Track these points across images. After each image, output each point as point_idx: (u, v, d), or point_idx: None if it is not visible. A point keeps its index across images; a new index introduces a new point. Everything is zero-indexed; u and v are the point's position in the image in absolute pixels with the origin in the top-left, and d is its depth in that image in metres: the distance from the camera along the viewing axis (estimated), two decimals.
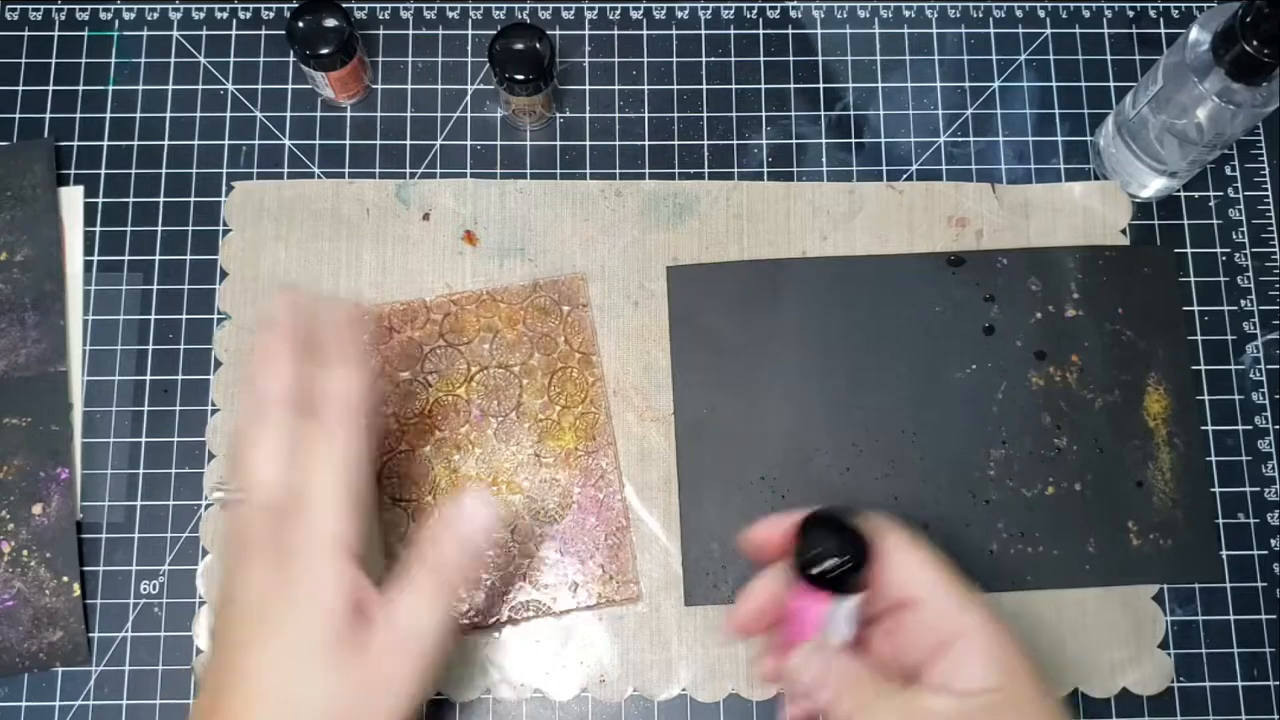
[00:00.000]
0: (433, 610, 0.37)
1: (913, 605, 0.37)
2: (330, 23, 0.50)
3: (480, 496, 0.39)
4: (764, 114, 0.55)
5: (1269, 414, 0.52)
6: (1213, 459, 0.51)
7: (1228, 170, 0.55)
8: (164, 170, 0.53)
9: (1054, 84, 0.56)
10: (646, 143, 0.54)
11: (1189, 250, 0.54)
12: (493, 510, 0.39)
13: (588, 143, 0.54)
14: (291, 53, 0.52)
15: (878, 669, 0.37)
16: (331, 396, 0.38)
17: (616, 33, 0.56)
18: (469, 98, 0.55)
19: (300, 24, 0.50)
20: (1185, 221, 0.54)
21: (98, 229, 0.52)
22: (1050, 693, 0.36)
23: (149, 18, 0.55)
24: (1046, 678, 0.37)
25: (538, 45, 0.50)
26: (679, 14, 0.56)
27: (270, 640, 0.35)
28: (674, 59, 0.55)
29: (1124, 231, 0.53)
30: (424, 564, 0.38)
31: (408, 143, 0.54)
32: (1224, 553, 0.50)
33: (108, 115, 0.54)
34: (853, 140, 0.55)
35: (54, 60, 0.55)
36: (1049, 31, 0.56)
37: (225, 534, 0.40)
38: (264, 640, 0.35)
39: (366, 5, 0.56)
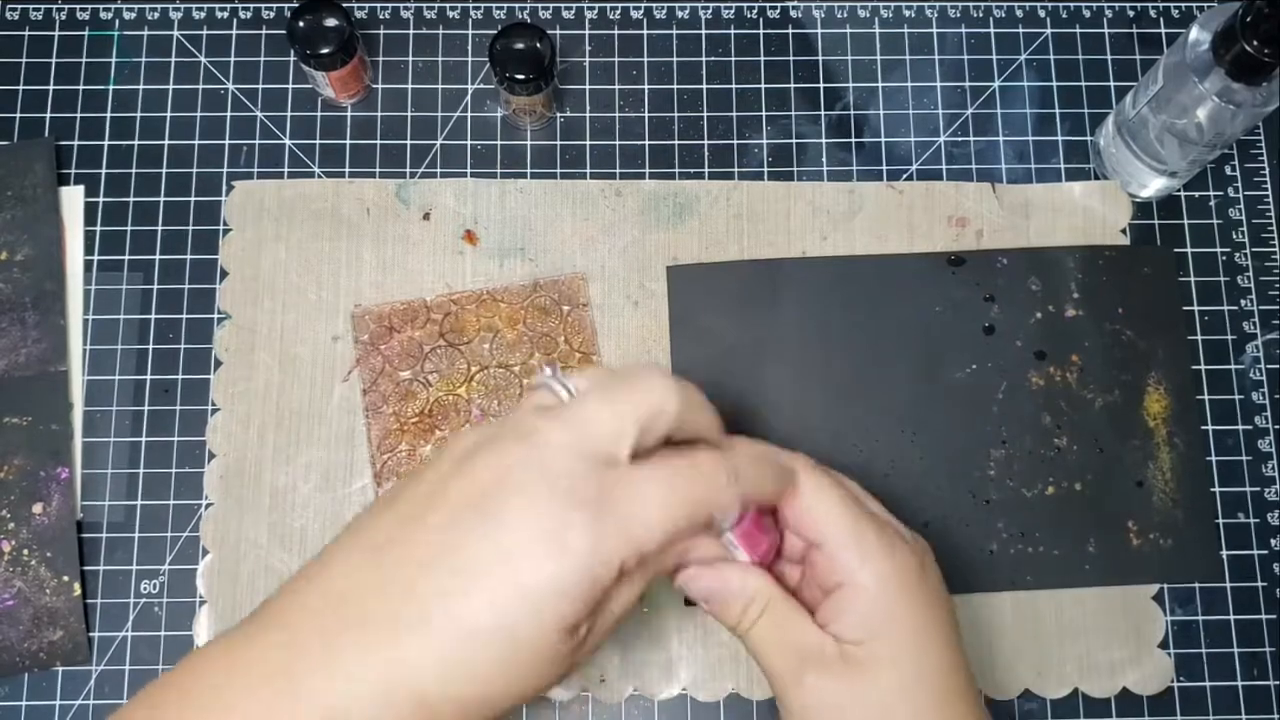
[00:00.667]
0: (632, 595, 0.34)
1: (818, 546, 0.38)
2: (331, 22, 0.50)
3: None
4: (764, 114, 0.55)
5: (1269, 414, 0.52)
6: (1213, 459, 0.51)
7: (1228, 170, 0.55)
8: (164, 170, 0.53)
9: (1054, 84, 0.56)
10: (647, 142, 0.54)
11: (1189, 250, 0.54)
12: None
13: (588, 142, 0.54)
14: (292, 52, 0.52)
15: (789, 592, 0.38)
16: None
17: (617, 32, 0.56)
18: (469, 97, 0.55)
19: (301, 23, 0.50)
20: (1185, 221, 0.54)
21: (98, 228, 0.52)
22: (935, 659, 0.37)
23: (149, 17, 0.55)
24: (941, 644, 0.37)
25: (538, 45, 0.50)
26: (679, 13, 0.56)
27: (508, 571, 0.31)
28: (674, 58, 0.55)
29: (1124, 231, 0.53)
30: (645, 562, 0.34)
31: (408, 142, 0.54)
32: (1224, 552, 0.50)
33: (108, 115, 0.54)
34: (853, 140, 0.55)
35: (54, 60, 0.55)
36: (1049, 31, 0.56)
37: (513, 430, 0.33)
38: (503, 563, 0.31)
39: (366, 5, 0.56)
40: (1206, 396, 0.52)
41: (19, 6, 0.55)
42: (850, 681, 0.36)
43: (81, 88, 0.54)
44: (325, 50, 0.50)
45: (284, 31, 0.51)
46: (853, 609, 0.37)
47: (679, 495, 0.33)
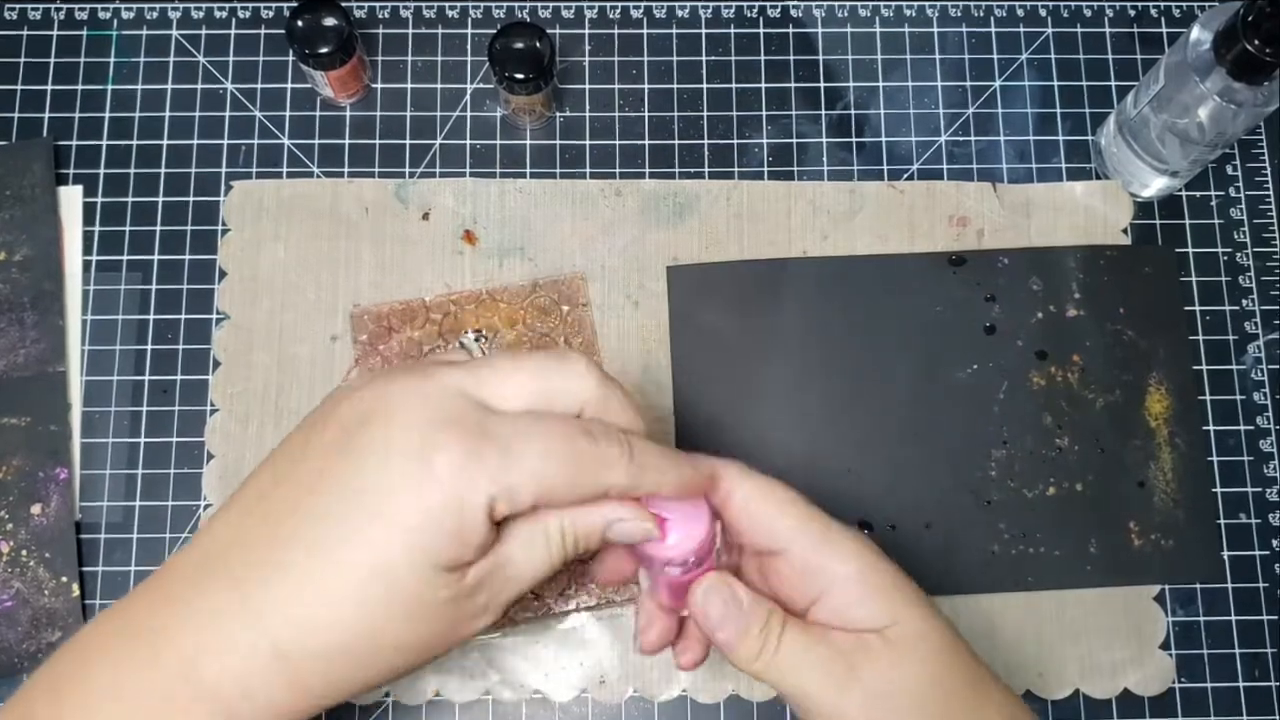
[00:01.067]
0: (542, 560, 0.32)
1: (779, 554, 0.35)
2: (330, 22, 0.50)
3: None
4: (764, 113, 0.55)
5: (1270, 414, 0.52)
6: (1214, 459, 0.51)
7: (1229, 170, 0.54)
8: (163, 170, 0.53)
9: (1055, 83, 0.55)
10: (646, 142, 0.54)
11: (1190, 250, 0.53)
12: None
13: (588, 142, 0.54)
14: (291, 52, 0.52)
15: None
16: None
17: (616, 31, 0.56)
18: (469, 97, 0.55)
19: (300, 23, 0.50)
20: (1187, 221, 0.54)
21: (96, 228, 0.52)
22: (943, 621, 0.35)
23: (148, 17, 0.55)
24: (933, 606, 0.35)
25: (538, 44, 0.49)
26: (679, 13, 0.56)
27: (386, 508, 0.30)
28: (674, 58, 0.55)
29: (1125, 231, 0.53)
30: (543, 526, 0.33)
31: (407, 142, 0.54)
32: (1225, 553, 0.50)
33: (106, 115, 0.54)
34: (853, 139, 0.54)
35: (53, 60, 0.54)
36: (1050, 30, 0.56)
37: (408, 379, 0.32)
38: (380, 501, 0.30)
39: (366, 4, 0.55)
40: (1208, 397, 0.52)
41: (17, 6, 0.55)
42: (903, 662, 0.34)
43: (80, 87, 0.54)
44: (324, 50, 0.50)
45: (283, 31, 0.51)
46: (862, 596, 0.34)
47: (561, 449, 0.31)
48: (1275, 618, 0.49)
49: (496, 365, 0.32)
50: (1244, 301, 0.53)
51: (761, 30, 0.56)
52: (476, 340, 0.34)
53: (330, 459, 0.31)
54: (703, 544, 0.34)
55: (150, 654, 0.30)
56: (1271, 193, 0.54)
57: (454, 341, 0.35)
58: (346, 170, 0.53)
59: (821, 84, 0.55)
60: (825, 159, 0.54)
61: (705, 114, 0.54)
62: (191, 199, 0.53)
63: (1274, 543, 0.50)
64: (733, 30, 0.56)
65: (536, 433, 0.31)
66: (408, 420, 0.30)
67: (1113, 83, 0.55)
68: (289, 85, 0.54)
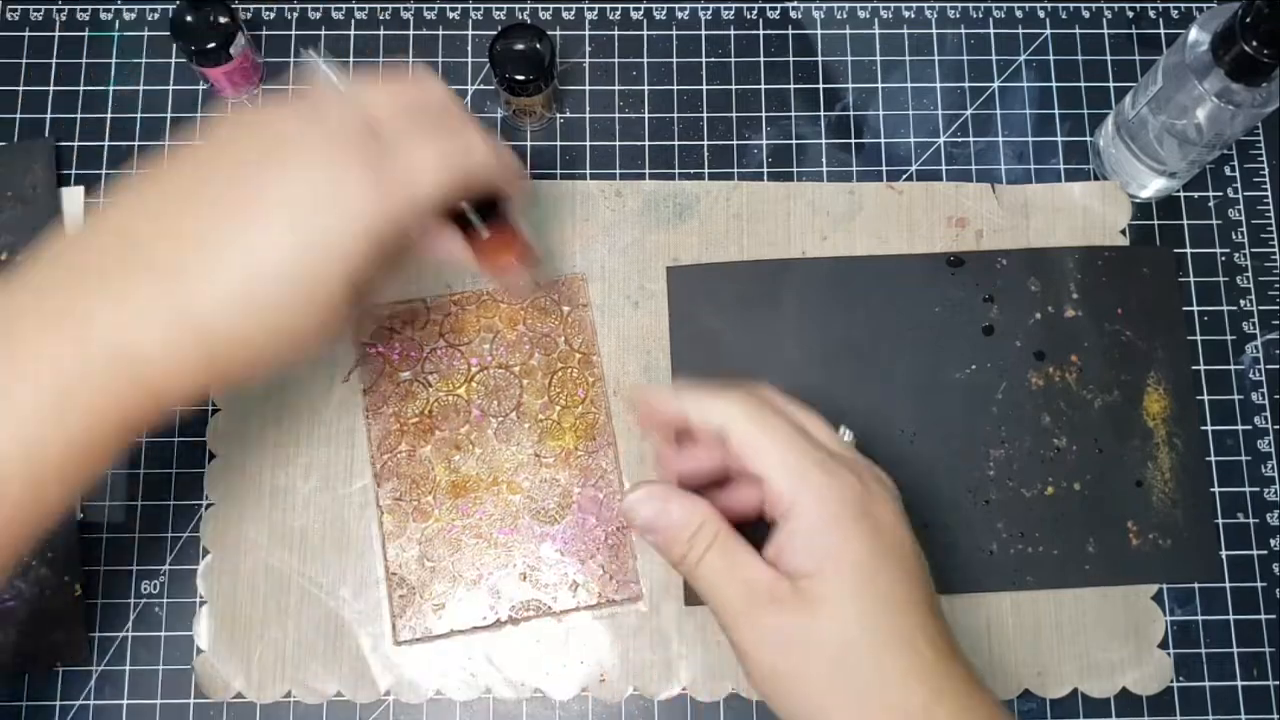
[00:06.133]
0: (441, 167, 0.36)
1: (762, 480, 0.37)
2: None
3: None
4: (764, 114, 0.55)
5: (1268, 414, 0.52)
6: (1212, 459, 0.51)
7: (1227, 170, 0.55)
8: None
9: (1054, 84, 0.56)
10: (646, 143, 0.54)
11: (1188, 250, 0.54)
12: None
13: (588, 143, 0.54)
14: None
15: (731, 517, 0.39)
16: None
17: (617, 33, 0.56)
18: (469, 98, 0.55)
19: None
20: (1185, 222, 0.54)
21: None
22: (875, 587, 0.36)
23: (149, 18, 0.55)
24: (896, 577, 0.36)
25: (538, 46, 0.50)
26: (679, 14, 0.56)
27: (292, 153, 0.34)
28: (674, 59, 0.55)
29: (1124, 232, 0.53)
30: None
31: None
32: (1223, 552, 0.50)
33: (108, 115, 0.54)
34: (852, 140, 0.55)
35: (54, 60, 0.55)
36: (1048, 32, 0.56)
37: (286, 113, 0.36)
38: (284, 153, 0.34)
39: (367, 5, 0.56)
40: (1206, 397, 0.52)
41: (19, 7, 0.55)
42: (806, 616, 0.35)
43: (82, 88, 0.54)
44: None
45: (283, 32, 0.51)
46: (797, 540, 0.36)
47: (450, 159, 0.35)
48: (1273, 617, 0.50)
49: (370, 92, 0.36)
50: (1242, 302, 0.53)
51: (761, 32, 0.56)
52: (325, 59, 0.38)
53: (249, 170, 0.34)
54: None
55: (79, 337, 0.32)
56: (1269, 193, 0.54)
57: (306, 56, 0.38)
58: None
59: (821, 85, 0.55)
60: (824, 160, 0.54)
61: (705, 115, 0.55)
62: None
63: (1272, 542, 0.50)
64: (732, 32, 0.56)
65: (428, 149, 0.35)
66: (315, 149, 0.34)
67: (1111, 84, 0.56)
68: (289, 86, 0.55)
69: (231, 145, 0.35)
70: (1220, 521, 0.50)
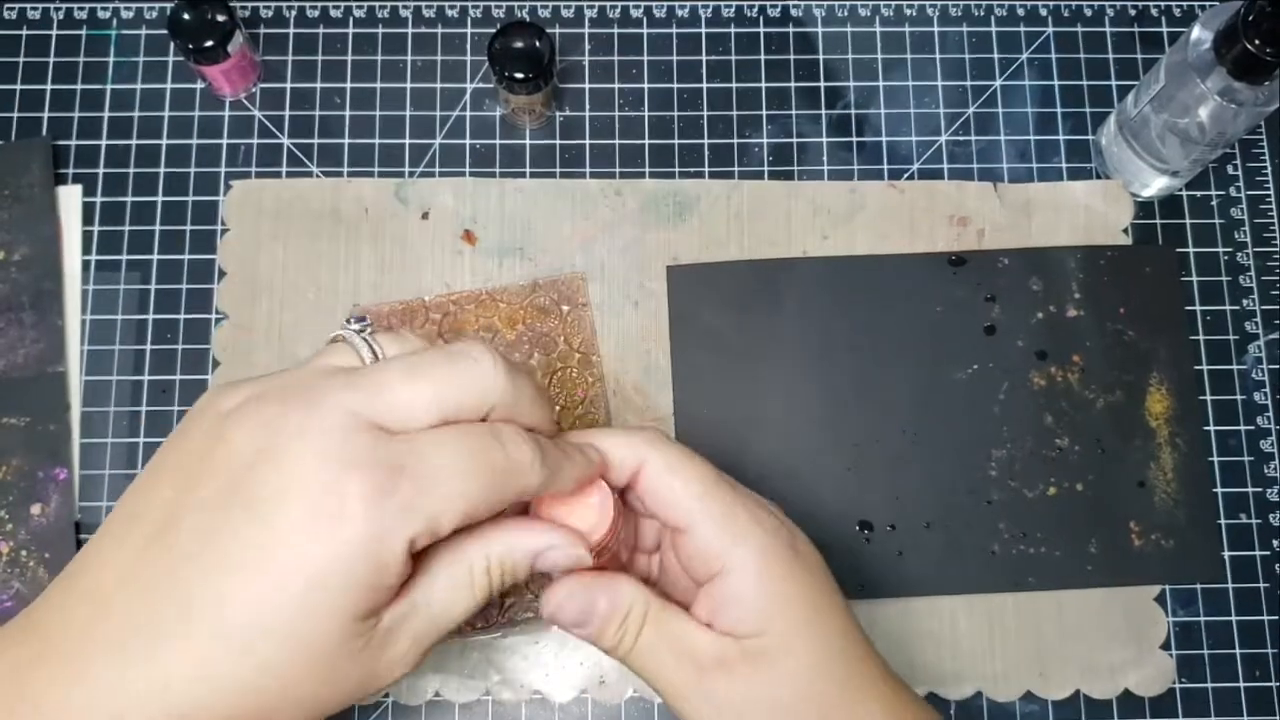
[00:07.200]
0: (466, 598, 0.31)
1: (683, 531, 0.34)
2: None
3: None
4: (764, 113, 0.55)
5: (1271, 414, 0.52)
6: (1215, 459, 0.51)
7: (1230, 169, 0.54)
8: (162, 169, 0.53)
9: (1056, 83, 0.55)
10: (646, 141, 0.54)
11: (1191, 249, 0.53)
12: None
13: (587, 141, 0.54)
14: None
15: (662, 588, 0.36)
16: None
17: (616, 31, 0.56)
18: (468, 96, 0.55)
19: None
20: (1187, 221, 0.54)
21: (95, 228, 0.52)
22: (826, 632, 0.34)
23: (147, 16, 0.55)
24: (823, 615, 0.34)
25: (537, 43, 0.49)
26: (679, 12, 0.56)
27: (273, 560, 0.27)
28: (674, 57, 0.55)
29: (1126, 231, 0.53)
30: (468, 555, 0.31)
31: (407, 141, 0.54)
32: (1226, 553, 0.50)
33: (105, 114, 0.54)
34: (854, 139, 0.54)
35: (52, 59, 0.54)
36: (1051, 30, 0.56)
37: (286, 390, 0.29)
38: (262, 555, 0.27)
39: (365, 4, 0.55)
40: (1208, 397, 0.52)
41: (16, 5, 0.55)
42: (757, 678, 0.33)
43: (79, 87, 0.54)
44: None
45: (282, 30, 0.51)
46: (738, 598, 0.33)
47: (476, 465, 0.29)
48: (1276, 618, 0.49)
49: (392, 379, 0.29)
50: (1245, 301, 0.53)
51: (762, 30, 0.56)
52: (360, 331, 0.32)
53: (218, 513, 0.28)
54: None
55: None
56: (1272, 192, 0.54)
57: (337, 331, 0.32)
58: (346, 170, 0.53)
59: (822, 83, 0.55)
60: (825, 159, 0.54)
61: (705, 113, 0.54)
62: (191, 198, 0.53)
63: (1275, 543, 0.50)
64: (733, 30, 0.56)
65: (447, 452, 0.28)
66: (304, 462, 0.27)
67: (1113, 82, 0.55)
68: (288, 85, 0.54)
69: (210, 456, 0.29)
70: (1223, 522, 0.50)
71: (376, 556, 0.27)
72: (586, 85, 0.55)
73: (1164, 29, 0.56)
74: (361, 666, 0.29)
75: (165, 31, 0.53)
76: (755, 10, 0.56)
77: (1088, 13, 0.56)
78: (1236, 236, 0.54)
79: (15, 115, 0.53)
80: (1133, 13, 0.56)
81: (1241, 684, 0.49)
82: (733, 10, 0.56)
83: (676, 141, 0.54)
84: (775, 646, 0.33)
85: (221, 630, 0.27)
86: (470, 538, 0.31)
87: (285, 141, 0.54)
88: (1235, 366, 0.52)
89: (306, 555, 0.27)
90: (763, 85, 0.55)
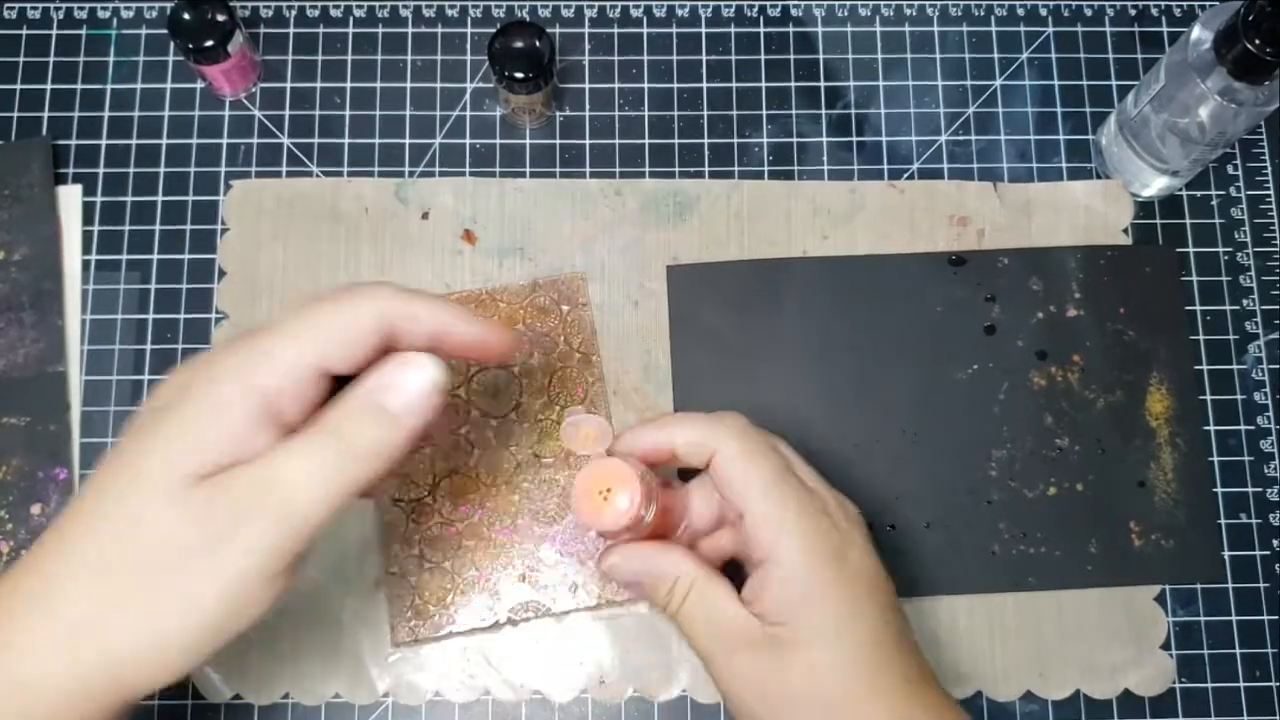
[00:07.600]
0: (322, 476, 0.31)
1: (743, 517, 0.38)
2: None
3: (421, 360, 0.34)
4: (765, 112, 0.55)
5: (1271, 414, 0.51)
6: (1215, 459, 0.51)
7: (1230, 169, 0.54)
8: (162, 169, 0.53)
9: (1056, 82, 0.55)
10: (647, 141, 0.54)
11: (1191, 249, 0.53)
12: (433, 376, 0.33)
13: (587, 141, 0.54)
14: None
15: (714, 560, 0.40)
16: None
17: (616, 31, 0.56)
18: (468, 96, 0.55)
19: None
20: (1187, 221, 0.54)
21: (95, 228, 0.52)
22: (855, 633, 0.37)
23: (147, 16, 0.55)
24: (871, 623, 0.37)
25: (537, 43, 0.49)
26: (679, 12, 0.56)
27: (126, 458, 0.32)
28: (674, 57, 0.55)
29: (1126, 231, 0.53)
30: (323, 427, 0.32)
31: (407, 141, 0.54)
32: (1226, 553, 0.50)
33: (105, 114, 0.54)
34: (854, 139, 0.54)
35: (52, 59, 0.54)
36: (1051, 30, 0.56)
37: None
38: (120, 459, 0.32)
39: (365, 3, 0.55)
40: (1208, 396, 0.52)
41: (16, 5, 0.55)
42: (778, 661, 0.36)
43: (79, 87, 0.54)
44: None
45: (282, 30, 0.51)
46: (772, 588, 0.37)
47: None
48: (1276, 618, 0.49)
49: (277, 348, 0.32)
50: (1245, 301, 0.53)
51: (762, 29, 0.56)
52: None
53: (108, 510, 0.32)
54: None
55: None
56: (1272, 192, 0.54)
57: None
58: (346, 170, 0.53)
59: (822, 83, 0.55)
60: (825, 158, 0.54)
61: (705, 113, 0.54)
62: (190, 198, 0.53)
63: (1275, 543, 0.50)
64: (733, 29, 0.56)
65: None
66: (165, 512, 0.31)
67: (1113, 82, 0.55)
68: (288, 85, 0.54)
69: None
70: (1223, 522, 0.50)
71: (268, 585, 0.32)
72: (586, 85, 0.55)
73: (1164, 29, 0.56)
74: (272, 598, 0.32)
75: (165, 31, 0.53)
76: (755, 10, 0.56)
77: (1088, 12, 0.56)
78: (1236, 236, 0.54)
79: (15, 115, 0.53)
80: (1133, 13, 0.56)
81: (1241, 684, 0.49)
82: (733, 10, 0.56)
83: (676, 141, 0.54)
84: (795, 639, 0.36)
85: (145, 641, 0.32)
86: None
87: (285, 141, 0.54)
88: (1235, 366, 0.52)
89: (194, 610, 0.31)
90: (763, 85, 0.55)
